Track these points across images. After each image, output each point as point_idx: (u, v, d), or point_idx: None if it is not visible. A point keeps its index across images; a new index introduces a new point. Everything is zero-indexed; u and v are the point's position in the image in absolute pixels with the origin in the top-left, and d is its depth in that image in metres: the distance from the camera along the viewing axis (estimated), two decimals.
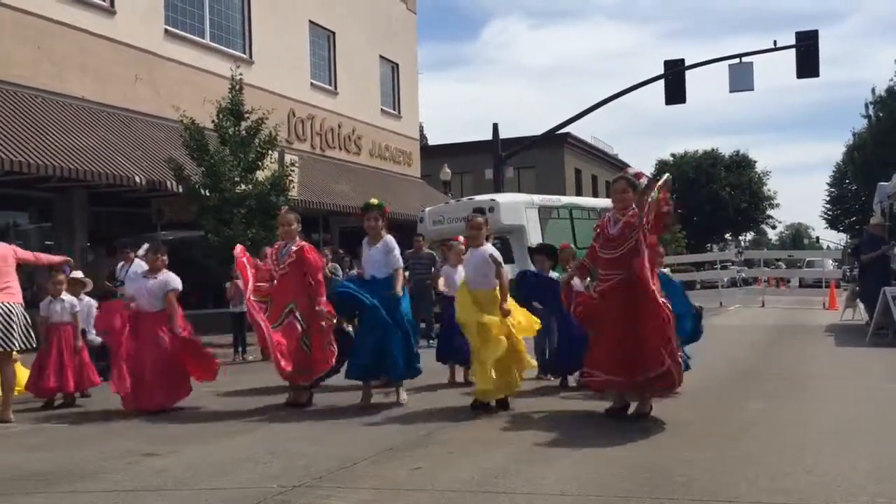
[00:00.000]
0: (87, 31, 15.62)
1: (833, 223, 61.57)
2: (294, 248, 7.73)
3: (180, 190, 14.95)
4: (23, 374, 9.01)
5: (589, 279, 7.06)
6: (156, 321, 7.90)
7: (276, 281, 7.71)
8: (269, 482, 4.85)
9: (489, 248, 7.38)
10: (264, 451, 5.76)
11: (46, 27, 14.82)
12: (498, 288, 7.13)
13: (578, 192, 39.59)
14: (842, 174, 58.24)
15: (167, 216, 16.47)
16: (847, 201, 58.09)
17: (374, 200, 7.83)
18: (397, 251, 7.62)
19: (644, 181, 6.56)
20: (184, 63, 17.91)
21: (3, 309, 7.51)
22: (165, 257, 8.23)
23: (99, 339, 10.78)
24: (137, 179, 14.59)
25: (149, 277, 8.11)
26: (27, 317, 7.83)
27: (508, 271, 7.45)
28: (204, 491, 4.78)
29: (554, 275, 8.68)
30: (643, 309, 6.22)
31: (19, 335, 7.62)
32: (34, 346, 7.94)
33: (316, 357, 7.51)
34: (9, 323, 7.53)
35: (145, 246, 8.34)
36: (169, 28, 17.69)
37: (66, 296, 8.78)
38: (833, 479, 4.63)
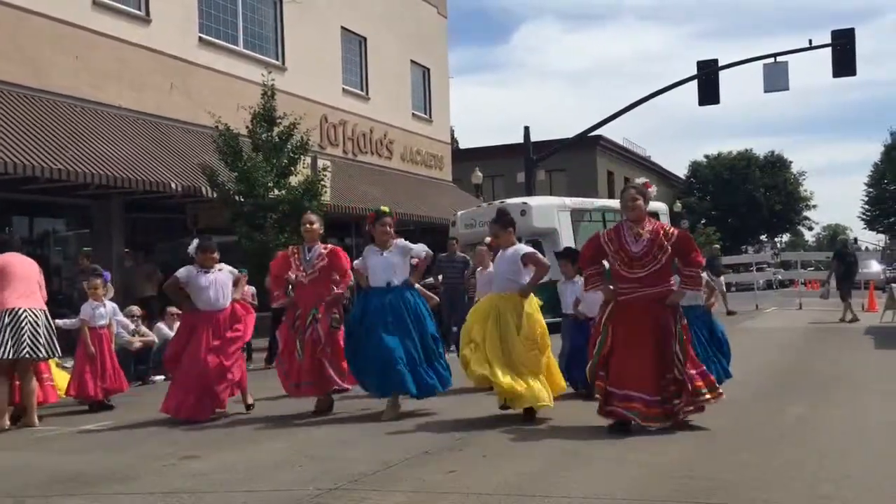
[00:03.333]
0: (123, 41, 15.88)
1: (871, 224, 60.55)
2: (323, 250, 7.59)
3: (214, 196, 15.12)
4: (63, 378, 9.17)
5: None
6: (225, 320, 7.70)
7: (300, 284, 7.57)
8: (305, 485, 4.88)
9: (522, 246, 7.01)
10: (299, 454, 5.80)
11: (85, 37, 15.08)
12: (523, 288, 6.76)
13: (611, 195, 39.30)
14: (880, 174, 57.28)
15: (202, 222, 16.66)
16: (886, 201, 57.13)
17: (384, 208, 7.66)
18: (413, 246, 7.48)
19: (653, 191, 6.39)
20: (218, 70, 18.13)
21: (30, 316, 7.52)
22: (216, 254, 7.93)
23: (138, 343, 10.98)
24: (173, 186, 14.79)
25: (209, 273, 7.73)
26: (52, 324, 7.81)
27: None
28: (241, 493, 4.82)
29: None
30: (664, 327, 6.06)
31: (45, 343, 7.59)
32: (58, 355, 7.87)
33: (332, 370, 7.42)
34: (35, 330, 7.55)
35: (195, 242, 8.03)
36: (203, 36, 17.92)
37: (107, 301, 8.94)
38: (874, 485, 4.55)
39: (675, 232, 6.22)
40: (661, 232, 6.15)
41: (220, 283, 7.73)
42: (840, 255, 18.51)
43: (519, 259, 6.78)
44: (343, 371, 7.46)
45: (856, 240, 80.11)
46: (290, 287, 7.80)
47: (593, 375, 6.24)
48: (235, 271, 8.08)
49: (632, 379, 6.00)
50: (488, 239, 8.42)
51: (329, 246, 7.66)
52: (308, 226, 7.65)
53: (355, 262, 7.69)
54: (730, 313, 19.20)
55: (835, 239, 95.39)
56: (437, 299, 9.89)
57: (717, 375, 7.51)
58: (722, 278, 21.43)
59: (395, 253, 7.27)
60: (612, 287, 6.27)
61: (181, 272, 7.74)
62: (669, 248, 6.07)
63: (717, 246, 26.67)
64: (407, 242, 7.42)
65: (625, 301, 6.12)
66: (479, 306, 7.02)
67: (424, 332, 7.14)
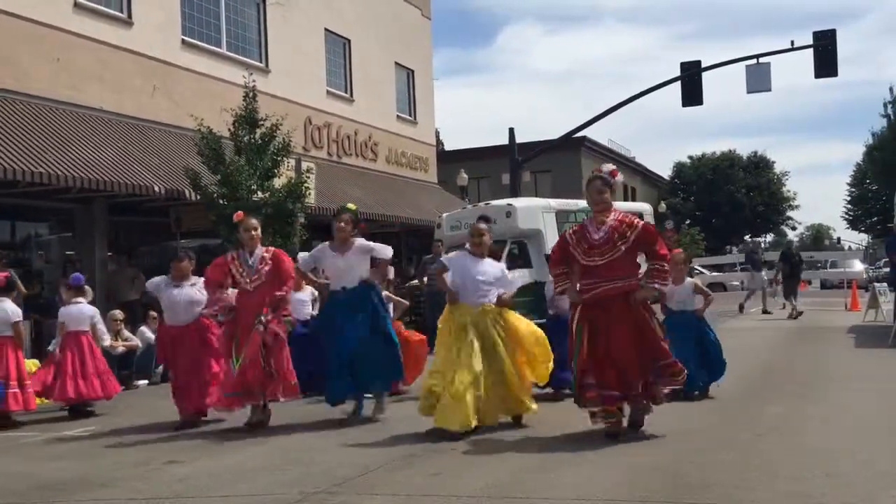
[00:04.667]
0: (105, 43, 15.76)
1: (854, 223, 60.96)
2: (266, 254, 7.23)
3: (198, 198, 15.04)
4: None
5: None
6: (197, 331, 7.65)
7: (244, 292, 7.14)
8: (288, 489, 4.87)
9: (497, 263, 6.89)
10: (282, 459, 5.78)
11: (65, 39, 14.97)
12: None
13: None
14: (862, 174, 57.66)
15: (185, 225, 16.58)
16: (868, 201, 57.49)
17: (350, 205, 7.42)
18: (376, 245, 7.28)
19: (619, 178, 6.14)
20: (200, 72, 18.04)
21: None
22: (185, 263, 7.84)
23: (121, 348, 10.92)
24: (156, 189, 14.71)
25: (181, 286, 7.70)
26: None
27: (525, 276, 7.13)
28: (224, 498, 4.80)
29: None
30: (637, 317, 5.89)
31: None
32: None
33: (283, 378, 7.04)
34: None
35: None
36: (185, 38, 17.83)
37: (84, 304, 8.85)
38: (853, 482, 4.58)
39: (640, 224, 6.01)
40: (625, 222, 5.98)
41: (188, 297, 7.69)
42: (786, 256, 20.05)
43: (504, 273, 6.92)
44: (287, 382, 7.10)
45: (839, 239, 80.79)
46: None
47: (578, 385, 6.01)
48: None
49: (616, 378, 5.84)
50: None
51: (271, 249, 7.38)
52: (252, 232, 7.26)
53: (301, 257, 7.52)
54: (764, 312, 19.49)
55: (818, 239, 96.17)
56: (407, 304, 9.81)
57: (693, 382, 7.40)
58: (764, 273, 21.21)
59: (354, 256, 7.09)
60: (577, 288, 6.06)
61: (153, 280, 7.94)
62: (631, 238, 5.88)
63: (759, 240, 26.71)
64: (366, 242, 7.20)
65: (589, 299, 5.92)
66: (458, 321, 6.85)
67: (379, 331, 7.07)
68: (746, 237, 61.86)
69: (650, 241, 5.98)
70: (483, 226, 6.79)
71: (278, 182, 15.11)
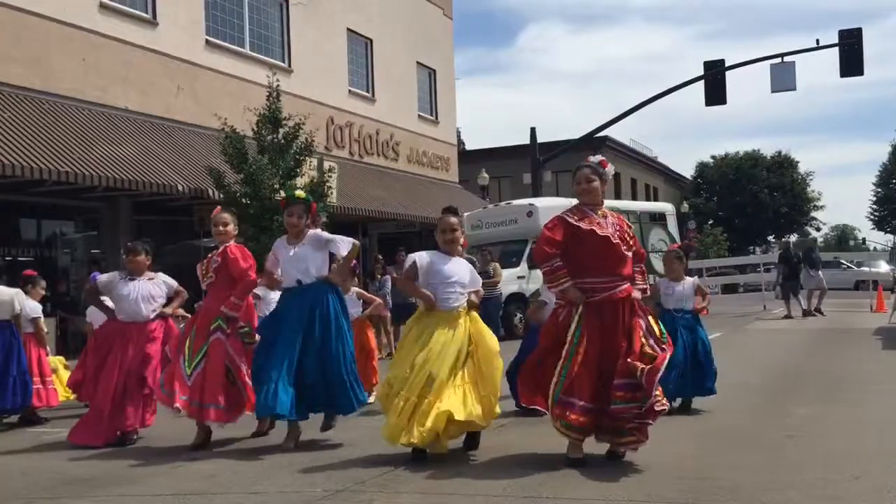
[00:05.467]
0: (130, 44, 15.94)
1: (880, 224, 60.33)
2: (219, 250, 6.50)
3: (221, 198, 15.16)
4: (66, 377, 9.17)
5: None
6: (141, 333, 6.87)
7: (204, 293, 6.56)
8: (313, 487, 4.88)
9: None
10: (306, 457, 5.79)
11: (92, 40, 15.14)
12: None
13: (617, 196, 39.29)
14: (888, 174, 57.08)
15: (208, 224, 16.68)
16: (894, 201, 56.89)
17: (300, 193, 6.48)
18: (335, 236, 6.34)
19: (610, 169, 5.40)
20: (224, 72, 18.18)
21: None
22: (141, 257, 7.06)
23: None
24: (180, 188, 14.83)
25: (135, 279, 7.00)
26: None
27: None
28: (249, 495, 4.83)
29: None
30: (636, 324, 5.14)
31: None
32: None
33: (247, 390, 6.28)
34: None
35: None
36: (210, 38, 17.96)
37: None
38: (881, 485, 4.53)
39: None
40: (621, 218, 5.40)
41: (143, 292, 6.94)
42: (785, 257, 19.79)
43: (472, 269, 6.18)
44: (233, 403, 6.35)
45: (864, 240, 79.98)
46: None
47: (556, 401, 5.14)
48: (174, 284, 7.19)
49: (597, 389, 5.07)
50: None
51: (227, 245, 6.52)
52: (221, 227, 6.58)
53: (268, 260, 6.56)
54: (816, 311, 18.43)
55: (842, 240, 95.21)
56: (380, 301, 9.05)
57: (684, 391, 7.04)
58: (822, 273, 19.14)
59: (306, 246, 6.18)
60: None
61: (103, 277, 7.19)
62: (630, 238, 5.29)
63: (813, 236, 25.90)
64: (322, 233, 6.35)
65: (600, 300, 5.11)
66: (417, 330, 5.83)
67: (338, 342, 6.09)
68: (770, 237, 61.41)
69: (635, 240, 5.41)
70: (454, 219, 5.84)
71: (301, 181, 15.20)
